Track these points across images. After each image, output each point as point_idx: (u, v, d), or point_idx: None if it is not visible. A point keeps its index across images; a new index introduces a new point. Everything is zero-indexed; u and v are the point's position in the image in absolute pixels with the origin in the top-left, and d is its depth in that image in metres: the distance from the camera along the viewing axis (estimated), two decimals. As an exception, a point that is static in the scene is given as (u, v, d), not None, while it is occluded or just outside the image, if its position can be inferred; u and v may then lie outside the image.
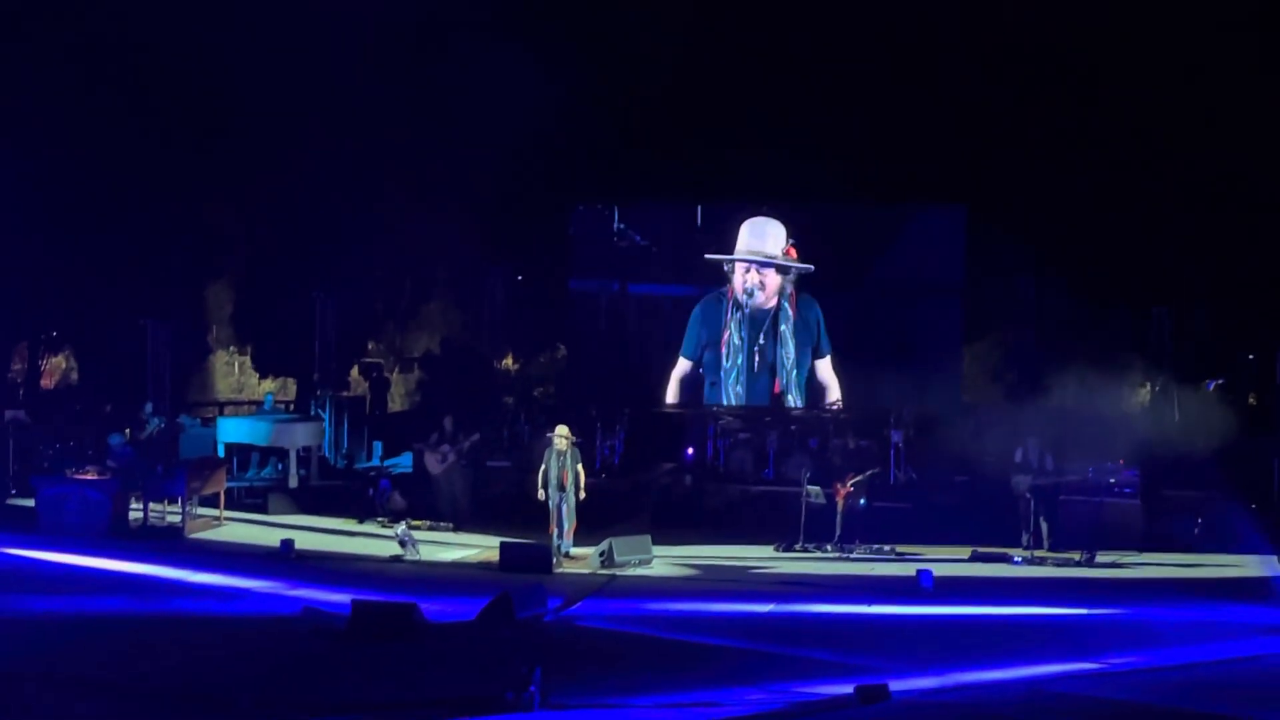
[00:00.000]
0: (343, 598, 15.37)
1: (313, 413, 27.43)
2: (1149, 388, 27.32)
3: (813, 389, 27.39)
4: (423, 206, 28.98)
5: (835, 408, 27.07)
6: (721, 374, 27.58)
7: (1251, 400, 25.76)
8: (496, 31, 27.05)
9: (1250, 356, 25.94)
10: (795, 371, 27.33)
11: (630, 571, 18.78)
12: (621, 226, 28.35)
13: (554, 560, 18.97)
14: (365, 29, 27.25)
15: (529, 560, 18.61)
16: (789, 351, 27.38)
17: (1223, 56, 26.36)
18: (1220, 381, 25.74)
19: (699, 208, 28.17)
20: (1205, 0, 25.89)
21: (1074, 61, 27.06)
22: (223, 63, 27.42)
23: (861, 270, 27.43)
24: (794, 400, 27.29)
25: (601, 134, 27.42)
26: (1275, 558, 18.61)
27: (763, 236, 27.48)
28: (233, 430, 25.66)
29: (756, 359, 27.38)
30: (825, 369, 27.48)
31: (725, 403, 27.38)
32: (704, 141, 27.16)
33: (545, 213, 29.13)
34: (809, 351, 27.45)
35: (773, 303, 27.45)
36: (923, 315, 27.49)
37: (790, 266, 27.28)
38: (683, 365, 27.97)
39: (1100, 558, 20.01)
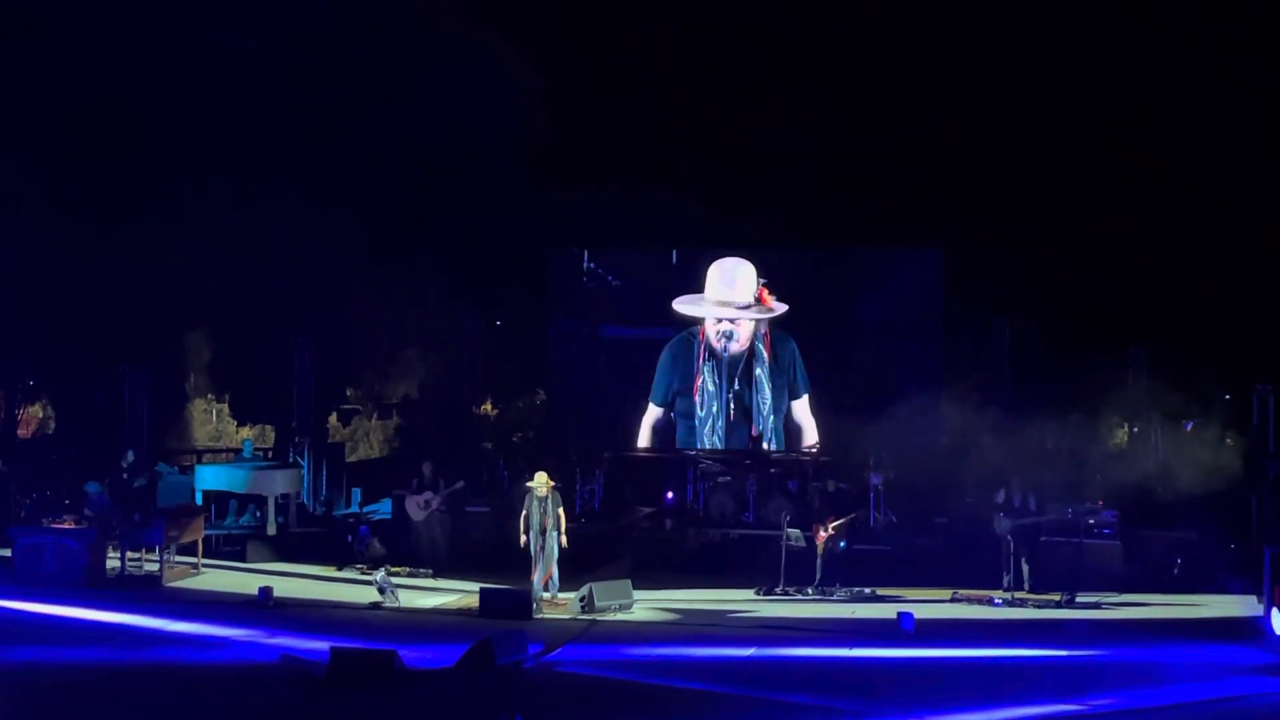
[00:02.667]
0: (322, 645, 15.29)
1: (291, 460, 27.35)
2: (1126, 429, 27.41)
3: (789, 431, 27.38)
4: (400, 253, 29.02)
5: (814, 451, 27.07)
6: (697, 422, 27.49)
7: (1228, 440, 25.84)
8: (472, 77, 27.17)
9: (1227, 396, 26.04)
10: (773, 417, 27.30)
11: (610, 616, 18.72)
12: (591, 266, 28.38)
13: (534, 606, 18.91)
14: (339, 76, 27.38)
15: (509, 606, 18.54)
16: (765, 397, 27.33)
17: (1193, 100, 26.63)
18: (1197, 422, 25.81)
19: (674, 252, 28.23)
20: (1174, 45, 26.11)
21: (1047, 107, 27.30)
22: (197, 109, 27.50)
23: (839, 314, 27.49)
24: (772, 446, 27.25)
25: (577, 178, 27.49)
26: (1255, 598, 18.62)
27: (732, 283, 27.39)
28: (211, 478, 25.56)
29: (732, 406, 27.30)
30: (802, 409, 27.44)
31: (702, 448, 27.34)
32: (680, 186, 27.23)
33: (522, 258, 29.20)
34: (785, 393, 27.42)
35: (746, 346, 27.43)
36: (901, 358, 27.55)
37: (763, 318, 27.23)
38: (653, 412, 27.87)
39: (1080, 598, 20.03)
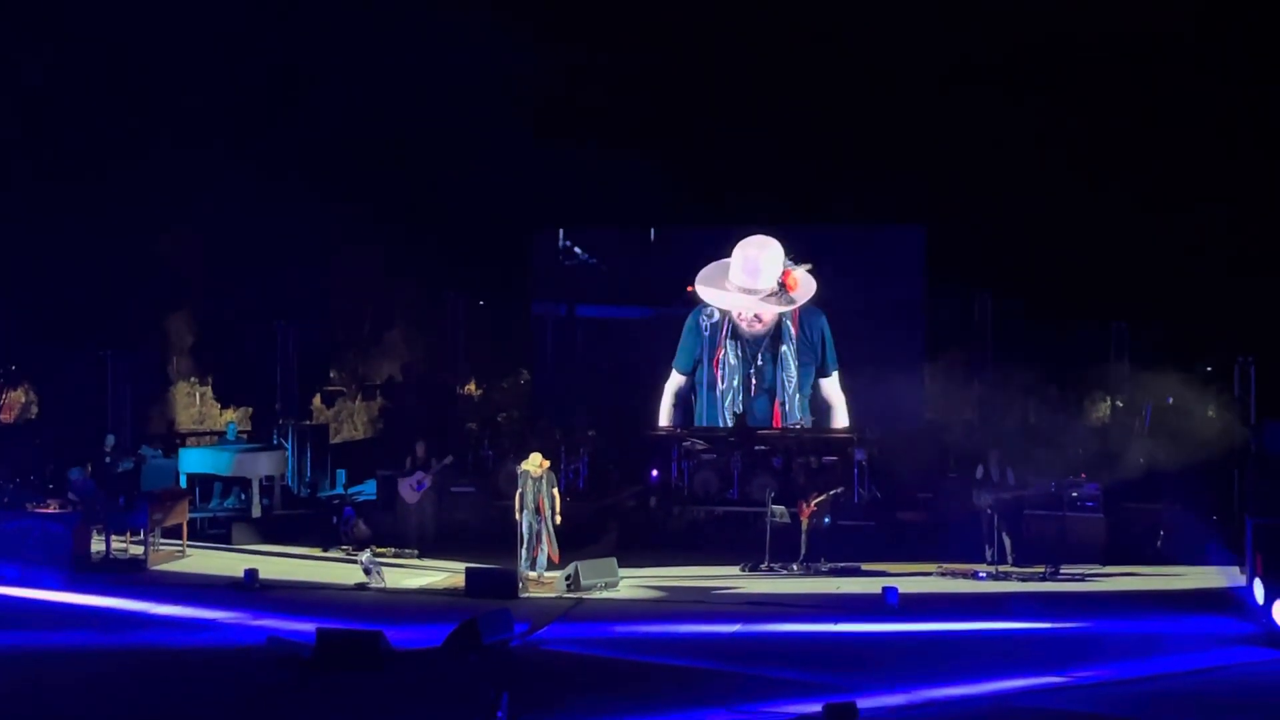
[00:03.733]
0: (308, 627, 15.30)
1: (275, 442, 27.33)
2: (1109, 402, 27.50)
3: (817, 409, 27.36)
4: (381, 233, 28.98)
5: (799, 427, 27.07)
6: (717, 394, 27.49)
7: (1210, 412, 25.92)
8: (451, 54, 27.10)
9: (1209, 369, 26.11)
10: (798, 396, 27.26)
11: (596, 595, 18.76)
12: (568, 244, 28.34)
13: (520, 585, 18.94)
14: (317, 55, 27.29)
15: (495, 586, 18.56)
16: (790, 374, 27.22)
17: (1176, 74, 26.65)
18: (1179, 394, 25.88)
19: (651, 230, 28.20)
20: (1155, 17, 26.10)
21: (1030, 80, 27.29)
22: (176, 90, 27.40)
23: (821, 291, 27.46)
24: (796, 421, 27.17)
25: (558, 157, 27.41)
26: (1237, 568, 18.72)
27: (755, 273, 27.21)
28: (195, 461, 25.53)
29: (754, 381, 27.27)
30: (831, 387, 27.39)
31: (721, 425, 27.35)
32: (662, 165, 27.15)
33: (505, 237, 29.15)
34: (811, 370, 27.37)
35: (772, 324, 27.38)
36: (884, 334, 27.57)
37: (783, 310, 27.12)
38: (676, 379, 27.88)
39: (1064, 571, 20.12)
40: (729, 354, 27.37)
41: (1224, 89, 26.62)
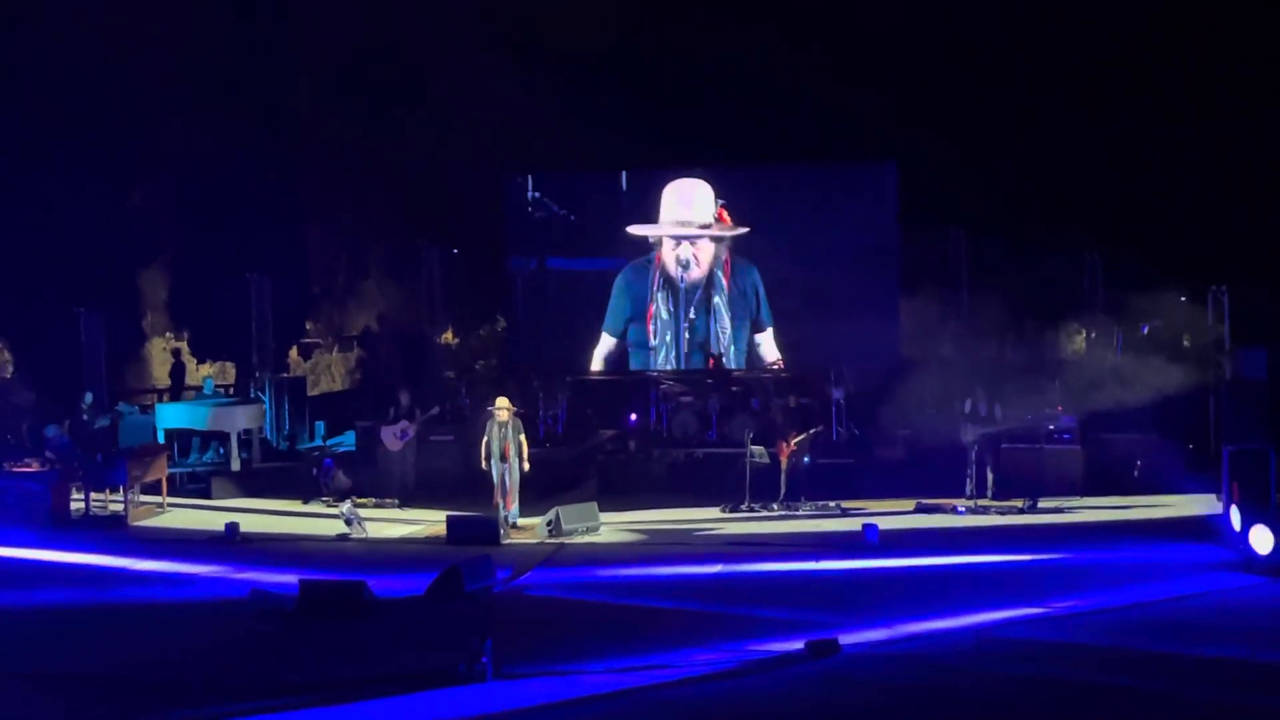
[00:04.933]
0: (290, 578, 15.29)
1: (253, 395, 27.27)
2: (1084, 334, 27.58)
3: (753, 365, 27.34)
4: (354, 183, 28.85)
5: (776, 367, 27.11)
6: (649, 352, 27.40)
7: (1185, 342, 26.03)
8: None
9: (1183, 299, 26.20)
10: (733, 349, 27.20)
11: (578, 539, 18.80)
12: (537, 195, 28.21)
13: (501, 532, 18.96)
14: (290, 11, 27.08)
15: (476, 533, 18.58)
16: (724, 325, 27.15)
17: (1147, 4, 26.60)
18: (1154, 324, 25.98)
19: (624, 174, 28.04)
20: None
21: (999, 10, 27.20)
22: (143, 46, 27.16)
23: (795, 230, 27.40)
24: (731, 366, 27.16)
25: (526, 102, 27.27)
26: (1214, 496, 18.84)
27: (689, 203, 27.15)
28: (172, 416, 25.47)
29: (686, 335, 27.18)
30: (767, 343, 27.32)
31: (662, 370, 27.29)
32: (630, 106, 27.03)
33: (477, 185, 29.05)
34: (746, 322, 27.27)
35: (705, 273, 27.25)
36: (858, 272, 27.55)
37: (724, 236, 27.02)
38: (606, 342, 27.75)
39: (1043, 504, 20.23)
40: (660, 309, 27.22)
41: (1203, 19, 26.58)
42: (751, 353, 27.39)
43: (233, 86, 27.65)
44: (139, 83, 27.72)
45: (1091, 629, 13.17)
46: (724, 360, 27.33)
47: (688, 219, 27.03)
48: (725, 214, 26.97)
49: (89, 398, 25.08)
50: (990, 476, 20.80)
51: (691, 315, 27.14)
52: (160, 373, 32.34)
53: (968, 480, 20.87)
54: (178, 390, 29.01)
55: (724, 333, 27.07)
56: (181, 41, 27.22)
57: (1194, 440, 22.60)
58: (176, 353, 30.50)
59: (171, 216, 30.60)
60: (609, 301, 27.61)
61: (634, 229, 27.22)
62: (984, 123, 27.08)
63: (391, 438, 22.85)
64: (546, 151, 28.48)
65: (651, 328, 27.38)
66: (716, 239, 26.97)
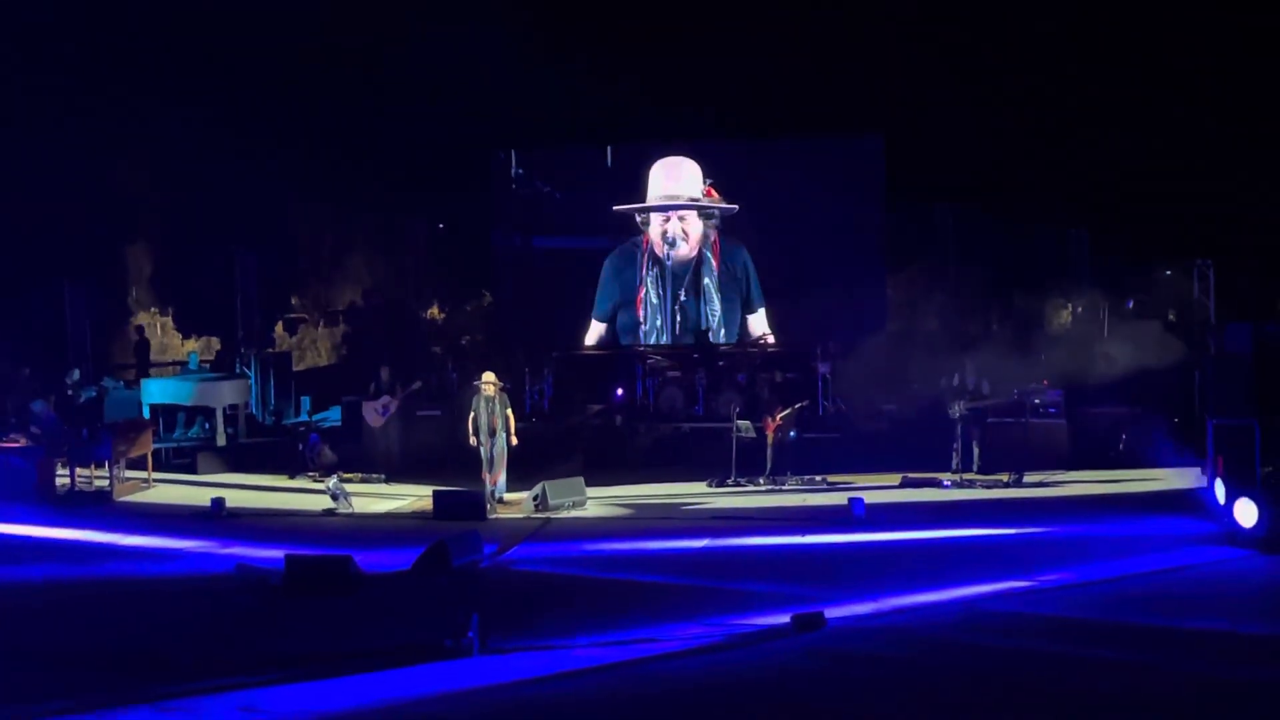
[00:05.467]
0: (276, 553, 15.29)
1: (238, 370, 27.23)
2: (1070, 308, 27.62)
3: (744, 344, 27.32)
4: (339, 157, 28.74)
5: (763, 342, 27.13)
6: (640, 335, 27.35)
7: (1170, 316, 26.08)
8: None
9: (1168, 272, 26.25)
10: (723, 331, 27.17)
11: (564, 514, 18.82)
12: (519, 171, 28.14)
13: (488, 507, 18.96)
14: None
15: (462, 508, 18.59)
16: (714, 308, 27.09)
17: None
18: (1139, 299, 26.04)
19: (608, 150, 27.98)
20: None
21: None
22: (125, 15, 27.01)
23: (781, 204, 27.42)
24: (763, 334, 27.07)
25: (513, 76, 27.16)
26: (1199, 470, 18.90)
27: (678, 178, 27.07)
28: (158, 391, 25.43)
29: (678, 317, 27.13)
30: (759, 323, 27.29)
31: (648, 345, 27.26)
32: (615, 79, 26.92)
33: (462, 160, 28.96)
34: (737, 303, 27.23)
35: (693, 253, 27.19)
36: (845, 246, 27.58)
37: (714, 208, 26.96)
38: (596, 328, 27.70)
39: (1028, 478, 20.28)
40: (650, 292, 27.15)
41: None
42: (743, 333, 27.39)
43: (217, 59, 27.47)
44: (123, 53, 27.54)
45: (1076, 602, 13.22)
46: (710, 336, 27.32)
47: (675, 194, 26.97)
48: (714, 192, 26.93)
49: (76, 374, 25.01)
50: (976, 450, 20.84)
51: (682, 298, 27.08)
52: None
53: (954, 454, 20.93)
54: (144, 368, 28.89)
55: (714, 315, 27.04)
56: (166, 12, 27.02)
57: (1179, 414, 22.64)
58: (141, 329, 30.37)
59: (156, 190, 30.45)
60: (597, 287, 27.55)
61: (620, 207, 27.15)
62: (970, 96, 27.04)
63: (373, 414, 22.83)
64: (532, 127, 28.38)
65: (642, 312, 27.33)
66: (705, 215, 26.92)
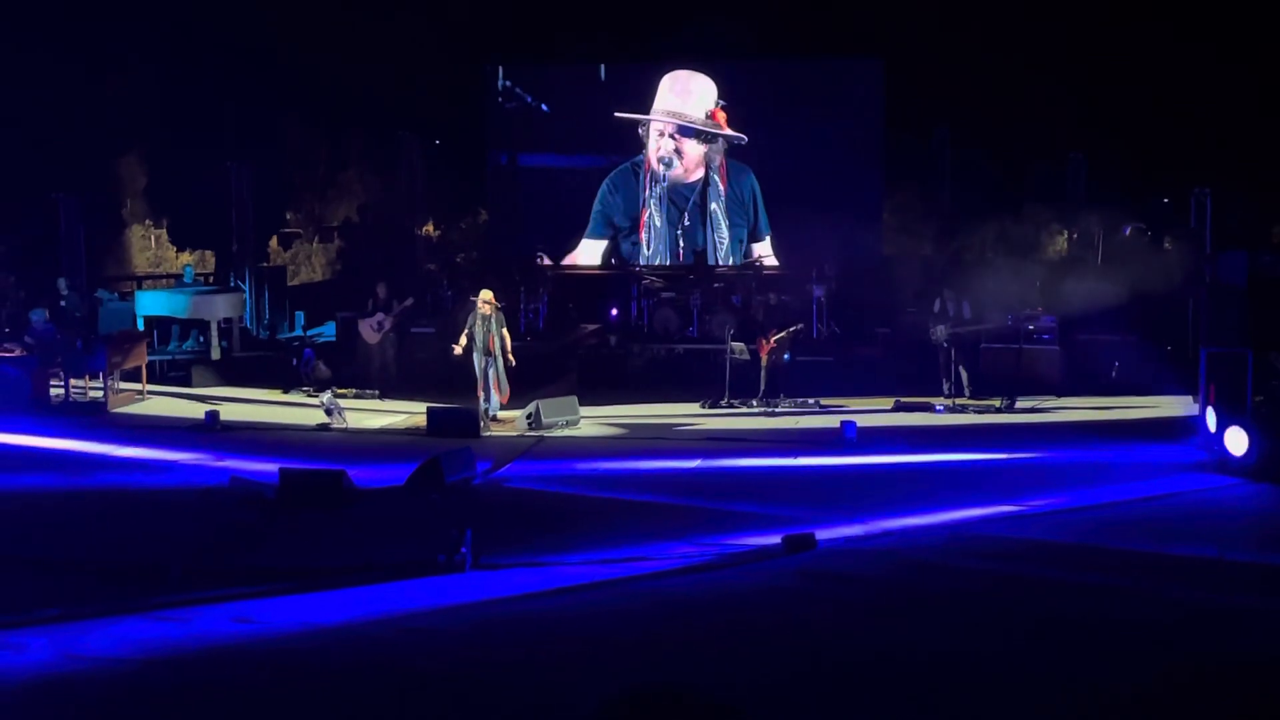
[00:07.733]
0: (270, 467, 15.33)
1: (233, 284, 27.18)
2: (1066, 235, 27.60)
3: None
4: (334, 72, 28.53)
5: (758, 265, 27.08)
6: (643, 261, 27.21)
7: (1167, 244, 26.07)
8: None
9: (1165, 200, 26.20)
10: (731, 259, 27.02)
11: (558, 433, 18.87)
12: (507, 84, 27.90)
13: (481, 424, 19.00)
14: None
15: (456, 425, 18.63)
16: (721, 234, 26.84)
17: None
18: (1135, 226, 26.00)
19: (602, 67, 27.72)
20: None
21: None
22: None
23: (778, 127, 27.28)
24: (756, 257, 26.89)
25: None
26: (1191, 398, 18.96)
27: (685, 94, 26.72)
28: (152, 303, 25.42)
29: (681, 243, 26.96)
30: (764, 251, 27.16)
31: (644, 266, 27.18)
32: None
33: (459, 76, 28.77)
34: (744, 231, 27.04)
35: (697, 175, 26.93)
36: (842, 170, 27.49)
37: (717, 135, 26.69)
38: (587, 246, 27.48)
39: (1020, 403, 20.34)
40: (654, 215, 26.90)
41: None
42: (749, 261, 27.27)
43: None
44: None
45: (1065, 527, 13.29)
46: (706, 258, 27.24)
47: (680, 111, 26.66)
48: (722, 116, 26.62)
49: (62, 284, 24.88)
50: (964, 375, 20.85)
51: (687, 222, 26.85)
52: (140, 260, 32.20)
53: (944, 379, 20.95)
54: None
55: (722, 243, 26.84)
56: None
57: (1172, 342, 22.69)
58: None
59: (150, 103, 30.25)
60: (593, 206, 27.35)
61: (621, 114, 26.89)
62: (970, 20, 26.86)
63: (369, 330, 22.82)
64: (528, 43, 28.18)
65: (645, 236, 27.12)
66: (708, 139, 26.66)
